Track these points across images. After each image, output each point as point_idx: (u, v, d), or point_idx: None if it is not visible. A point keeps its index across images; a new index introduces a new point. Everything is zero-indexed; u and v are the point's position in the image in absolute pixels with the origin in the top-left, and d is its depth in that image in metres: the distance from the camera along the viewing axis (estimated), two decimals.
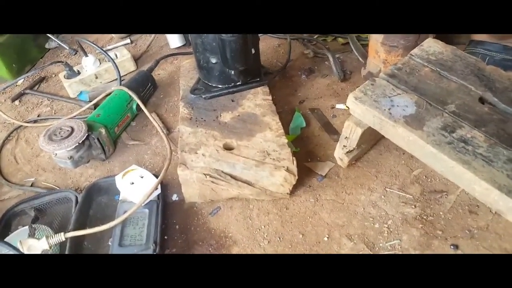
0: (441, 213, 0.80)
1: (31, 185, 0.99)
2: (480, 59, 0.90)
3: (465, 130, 0.68)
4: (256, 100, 1.00)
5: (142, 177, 0.85)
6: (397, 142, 0.73)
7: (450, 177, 0.68)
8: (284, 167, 0.81)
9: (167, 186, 0.93)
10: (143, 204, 0.79)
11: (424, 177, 0.86)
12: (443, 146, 0.66)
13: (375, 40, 0.98)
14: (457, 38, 1.17)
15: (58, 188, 0.96)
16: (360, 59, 1.15)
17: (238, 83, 1.03)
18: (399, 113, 0.71)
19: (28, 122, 1.18)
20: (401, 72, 0.79)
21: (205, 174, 0.82)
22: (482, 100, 0.74)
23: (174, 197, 0.91)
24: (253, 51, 0.99)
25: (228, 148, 0.89)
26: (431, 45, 0.84)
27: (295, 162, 0.82)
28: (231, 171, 0.83)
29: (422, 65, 0.80)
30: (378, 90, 0.76)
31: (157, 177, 0.83)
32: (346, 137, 0.83)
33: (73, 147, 0.89)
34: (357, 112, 0.77)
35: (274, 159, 0.84)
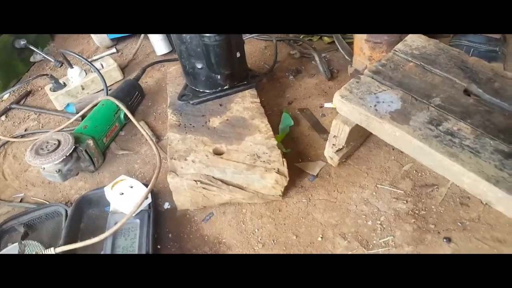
0: (432, 206, 0.80)
1: (20, 201, 0.98)
2: (464, 51, 0.90)
3: (451, 122, 0.68)
4: (244, 104, 1.00)
5: (131, 187, 0.85)
6: (384, 138, 0.73)
7: (439, 170, 0.68)
8: (274, 169, 0.81)
9: (158, 195, 0.92)
10: (133, 215, 0.78)
11: (414, 171, 0.86)
12: (430, 140, 0.66)
13: (360, 37, 0.98)
14: None
15: (47, 203, 0.95)
16: (346, 57, 1.16)
17: (225, 87, 1.02)
18: (385, 109, 0.71)
19: (15, 137, 1.17)
20: (385, 68, 0.79)
21: (195, 181, 0.81)
22: (467, 92, 0.74)
23: (166, 205, 0.90)
24: (238, 54, 0.99)
25: (218, 153, 0.88)
26: (414, 39, 0.85)
27: (285, 163, 0.82)
28: (222, 176, 0.82)
29: (406, 60, 0.80)
30: (364, 87, 0.76)
31: (147, 186, 0.83)
32: (335, 135, 0.83)
33: (60, 160, 0.89)
34: (344, 110, 0.77)
35: (264, 161, 0.83)
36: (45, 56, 1.35)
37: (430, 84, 0.75)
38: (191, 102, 1.02)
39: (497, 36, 1.02)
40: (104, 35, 1.45)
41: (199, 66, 0.97)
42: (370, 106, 0.72)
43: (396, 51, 0.82)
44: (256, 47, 1.36)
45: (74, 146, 0.90)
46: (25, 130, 1.20)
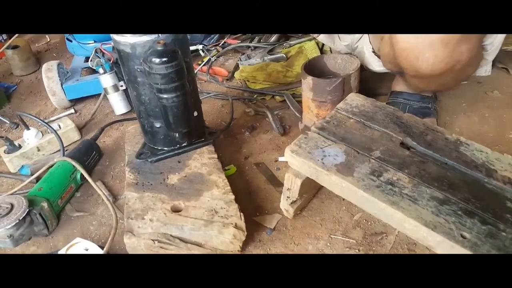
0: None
1: None
2: (401, 108, 1.00)
3: (391, 173, 0.75)
4: (202, 160, 1.03)
5: (87, 250, 0.83)
6: (332, 189, 0.78)
7: (383, 218, 0.73)
8: (232, 223, 0.83)
9: None
10: None
11: (364, 220, 0.91)
12: (373, 190, 0.71)
13: (307, 97, 1.06)
14: (379, 89, 1.30)
15: None
16: (297, 114, 1.24)
17: (183, 145, 1.06)
18: (331, 162, 0.77)
19: None
20: (329, 124, 0.86)
21: (153, 240, 0.81)
22: (403, 145, 0.82)
23: None
24: (195, 113, 1.04)
25: (176, 210, 0.89)
26: (353, 99, 0.93)
27: (242, 217, 0.85)
28: (180, 233, 0.83)
29: (347, 117, 0.88)
30: (311, 142, 0.82)
31: (103, 248, 0.82)
32: (289, 188, 0.87)
33: (13, 224, 0.86)
34: (295, 164, 0.82)
35: (222, 216, 0.85)
36: (0, 118, 1.34)
37: (370, 138, 0.83)
38: (149, 160, 1.04)
39: (429, 94, 1.14)
40: (63, 96, 1.47)
41: (157, 125, 1.01)
42: (318, 160, 0.78)
43: (338, 109, 0.90)
44: (213, 106, 1.42)
45: (27, 209, 0.88)
46: None
